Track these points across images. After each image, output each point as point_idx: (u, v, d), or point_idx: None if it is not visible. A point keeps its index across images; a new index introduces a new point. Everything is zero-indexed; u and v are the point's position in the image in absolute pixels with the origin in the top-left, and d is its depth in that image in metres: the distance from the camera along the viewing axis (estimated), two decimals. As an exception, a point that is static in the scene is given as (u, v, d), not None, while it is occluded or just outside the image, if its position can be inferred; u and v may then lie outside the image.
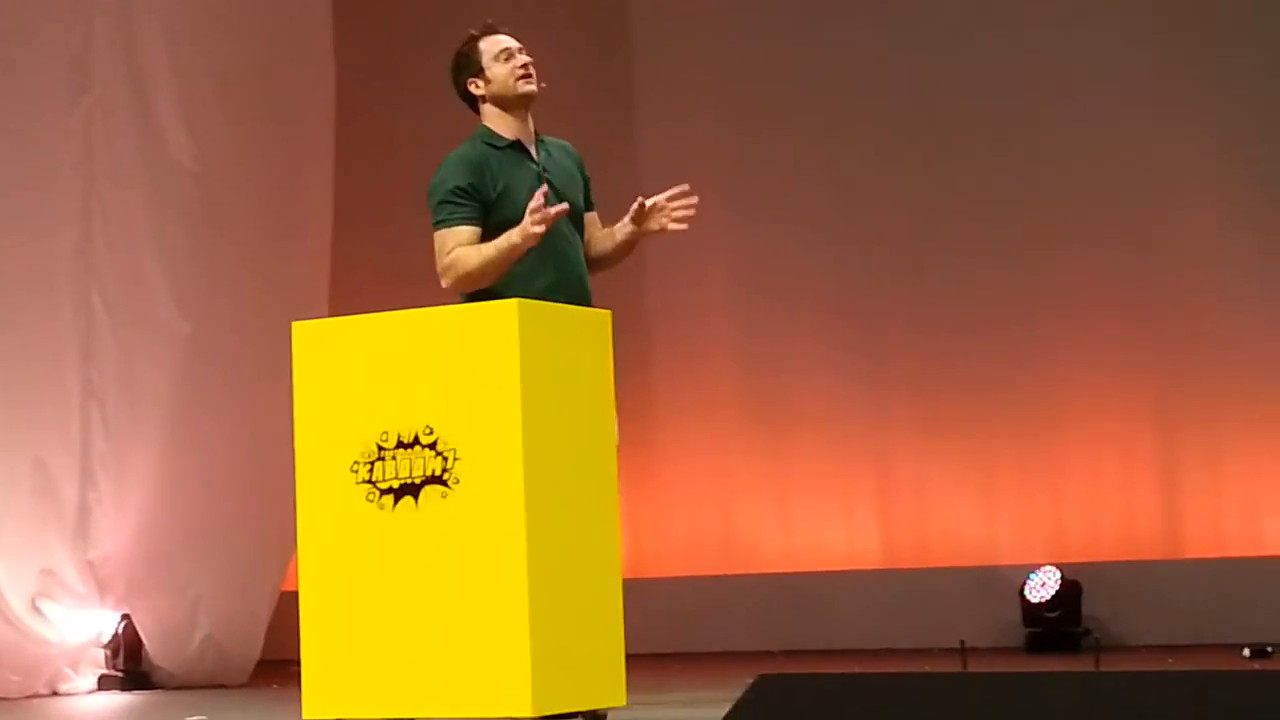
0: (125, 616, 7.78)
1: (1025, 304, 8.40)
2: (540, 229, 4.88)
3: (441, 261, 5.08)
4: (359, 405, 4.44)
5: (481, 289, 4.95)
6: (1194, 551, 8.10)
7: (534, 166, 5.19)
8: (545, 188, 5.00)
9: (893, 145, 8.66)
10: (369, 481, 4.41)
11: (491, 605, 4.28)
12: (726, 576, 8.57)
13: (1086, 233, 8.35)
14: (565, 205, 4.99)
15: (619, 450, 4.72)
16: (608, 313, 4.74)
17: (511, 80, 5.26)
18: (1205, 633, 7.84)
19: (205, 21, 8.15)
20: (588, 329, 4.64)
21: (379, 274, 9.24)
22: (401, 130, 9.55)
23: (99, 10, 7.93)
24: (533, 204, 4.93)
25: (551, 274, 5.02)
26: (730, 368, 8.91)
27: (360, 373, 4.47)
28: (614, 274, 8.82)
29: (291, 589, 5.41)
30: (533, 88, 5.25)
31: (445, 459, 4.35)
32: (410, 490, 4.39)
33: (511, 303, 4.41)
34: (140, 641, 7.81)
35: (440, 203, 5.12)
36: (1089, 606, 8.04)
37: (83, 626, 7.76)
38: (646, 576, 8.40)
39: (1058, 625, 7.98)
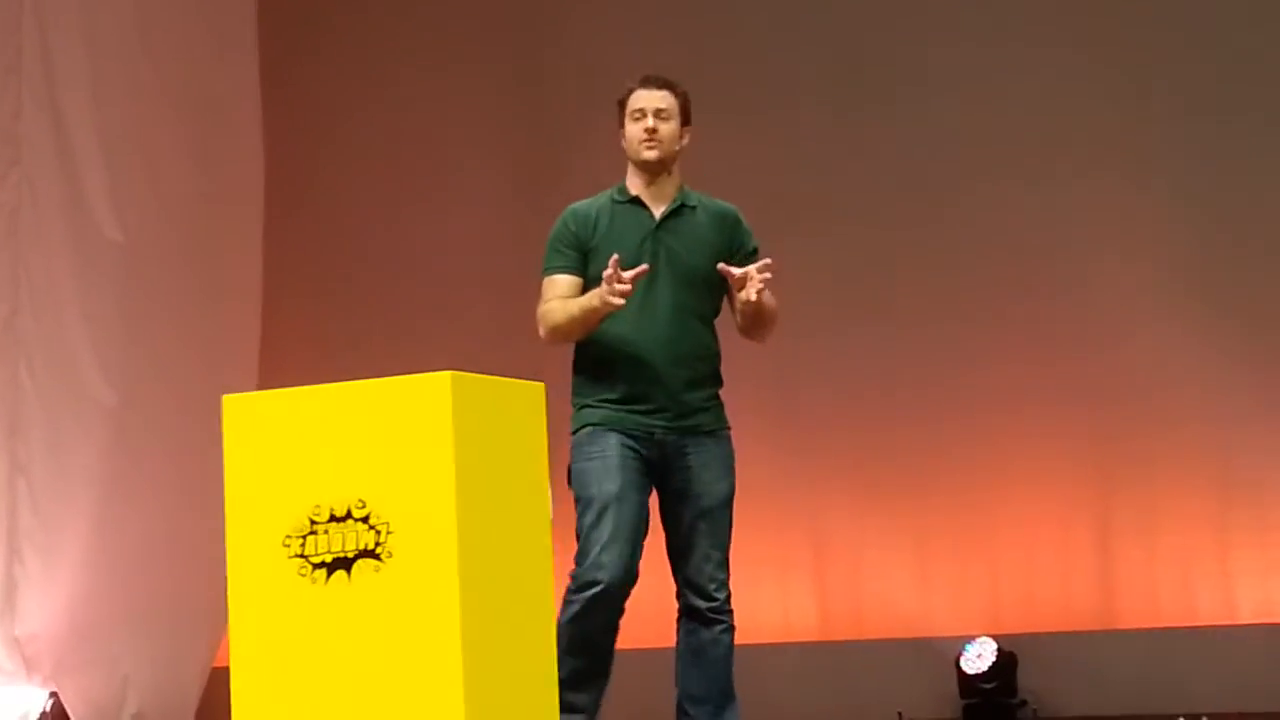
0: (53, 694, 7.69)
1: (958, 371, 8.42)
2: (616, 299, 5.04)
3: (538, 310, 5.32)
4: (291, 478, 4.40)
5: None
6: (1129, 622, 8.12)
7: (650, 222, 5.30)
8: (616, 256, 5.09)
9: (814, 211, 8.66)
10: (301, 555, 4.37)
11: (425, 680, 4.25)
12: (661, 650, 8.50)
13: (1019, 298, 8.38)
14: (644, 267, 5.10)
15: (553, 523, 4.70)
16: (541, 385, 4.72)
17: (635, 143, 5.37)
18: (1140, 703, 7.85)
19: (133, 94, 8.15)
20: (522, 401, 4.62)
21: (310, 345, 9.23)
22: (332, 201, 9.55)
23: (27, 82, 7.91)
24: (606, 272, 5.04)
25: (631, 335, 5.28)
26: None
27: (292, 446, 4.43)
28: (536, 343, 8.86)
29: (223, 665, 5.35)
30: (653, 155, 5.34)
31: (378, 532, 4.31)
32: (343, 564, 4.34)
33: (445, 375, 4.38)
34: (68, 719, 7.71)
35: (548, 250, 5.32)
36: (1025, 677, 8.04)
37: (9, 705, 7.65)
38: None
39: (994, 696, 7.97)
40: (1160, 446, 8.12)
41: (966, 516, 8.37)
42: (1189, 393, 8.09)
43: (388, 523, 4.31)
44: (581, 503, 5.44)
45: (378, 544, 4.31)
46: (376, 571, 4.31)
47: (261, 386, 8.46)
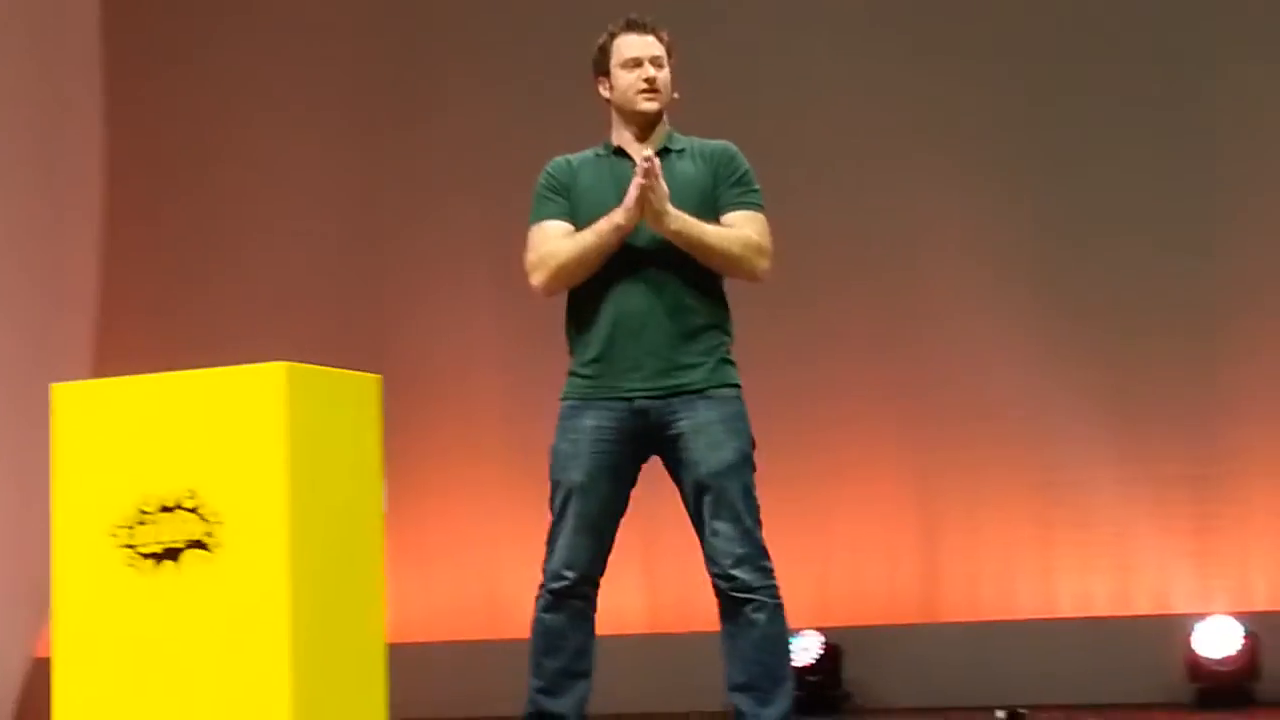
0: None
1: (785, 364, 8.48)
2: (648, 195, 4.71)
3: (529, 261, 4.95)
4: (120, 468, 4.35)
5: (580, 285, 4.88)
6: (951, 615, 8.25)
7: (631, 171, 4.92)
8: (652, 154, 4.80)
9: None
10: (129, 546, 4.32)
11: (254, 670, 4.21)
12: (493, 641, 8.52)
13: (848, 292, 8.47)
14: (654, 159, 4.76)
15: (386, 515, 4.68)
16: (377, 377, 4.70)
17: (631, 93, 5.02)
18: (962, 695, 7.97)
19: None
20: (357, 393, 4.60)
21: (151, 343, 9.11)
22: (172, 192, 9.45)
23: None
24: (636, 179, 4.75)
25: (609, 288, 4.93)
26: (498, 433, 8.89)
27: (122, 435, 4.38)
28: (375, 338, 8.81)
29: (44, 655, 5.28)
30: (653, 105, 5.02)
31: (209, 523, 4.28)
32: (172, 554, 4.30)
33: (280, 365, 4.35)
34: (-117, 710, 7.56)
35: (534, 200, 4.97)
36: (850, 670, 8.14)
37: None
38: (413, 641, 8.32)
39: (820, 689, 8.06)
40: (983, 444, 8.25)
41: (793, 511, 8.43)
42: (1012, 391, 8.24)
43: (219, 513, 4.27)
44: (551, 487, 5.18)
45: (208, 535, 4.28)
46: (206, 562, 4.27)
47: (96, 374, 8.35)
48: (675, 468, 5.08)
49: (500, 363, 8.89)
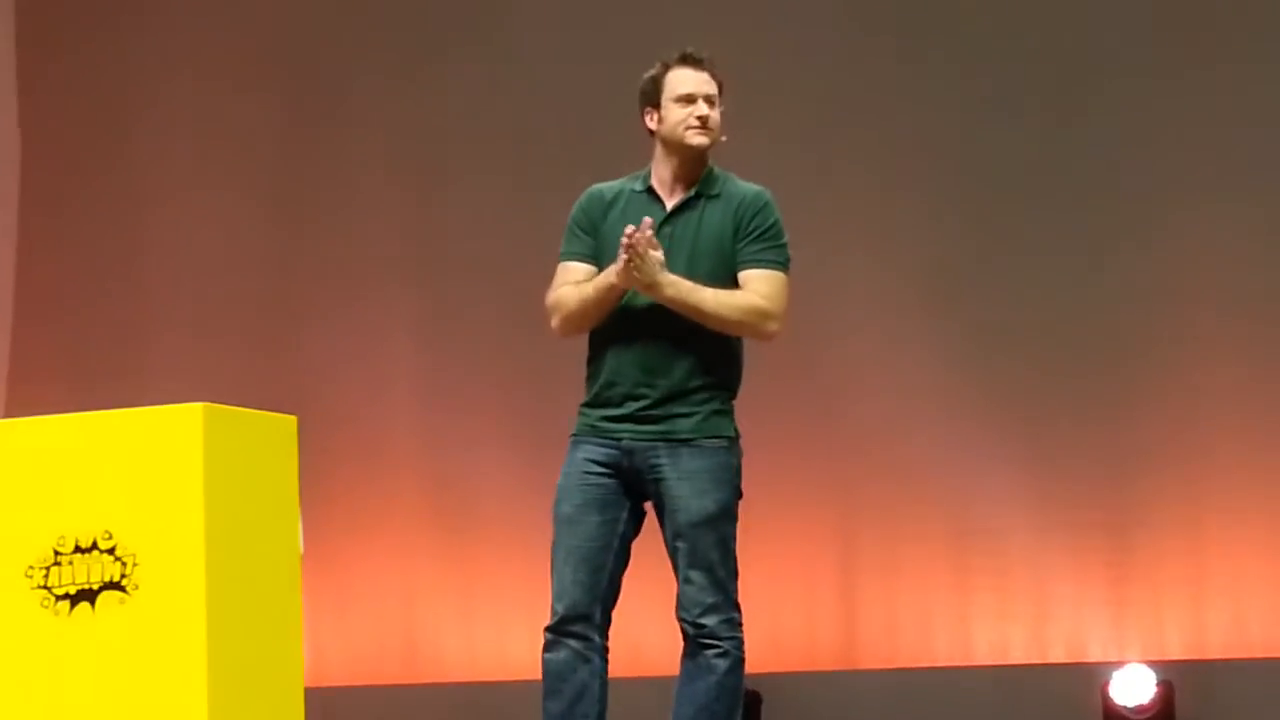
0: None
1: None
2: (631, 271, 4.69)
3: (547, 299, 4.94)
4: (35, 507, 4.33)
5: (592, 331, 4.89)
6: (870, 662, 8.27)
7: (660, 214, 4.92)
8: (649, 220, 4.77)
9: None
10: (44, 587, 4.30)
11: (170, 714, 4.19)
12: (410, 686, 8.50)
13: (758, 345, 8.48)
14: (649, 231, 4.72)
15: (303, 557, 4.67)
16: (293, 418, 4.69)
17: (681, 128, 4.93)
18: (881, 743, 8.00)
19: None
20: (273, 434, 4.59)
21: (60, 374, 9.05)
22: (87, 221, 9.39)
23: None
24: (624, 242, 4.72)
25: (616, 330, 4.91)
26: (415, 475, 8.87)
27: (37, 475, 4.35)
28: (297, 378, 8.75)
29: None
30: (704, 140, 4.93)
31: (124, 564, 4.26)
32: (87, 596, 4.28)
33: (196, 406, 4.34)
34: None
35: (565, 233, 4.94)
36: (769, 716, 8.14)
37: None
38: (329, 685, 8.28)
39: (738, 735, 8.05)
40: (899, 492, 8.28)
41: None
42: (926, 441, 8.27)
43: (134, 554, 4.25)
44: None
45: (123, 576, 4.26)
46: (121, 604, 4.25)
47: (9, 409, 8.29)
48: (658, 512, 5.08)
49: (417, 400, 8.89)
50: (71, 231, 9.38)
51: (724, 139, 5.01)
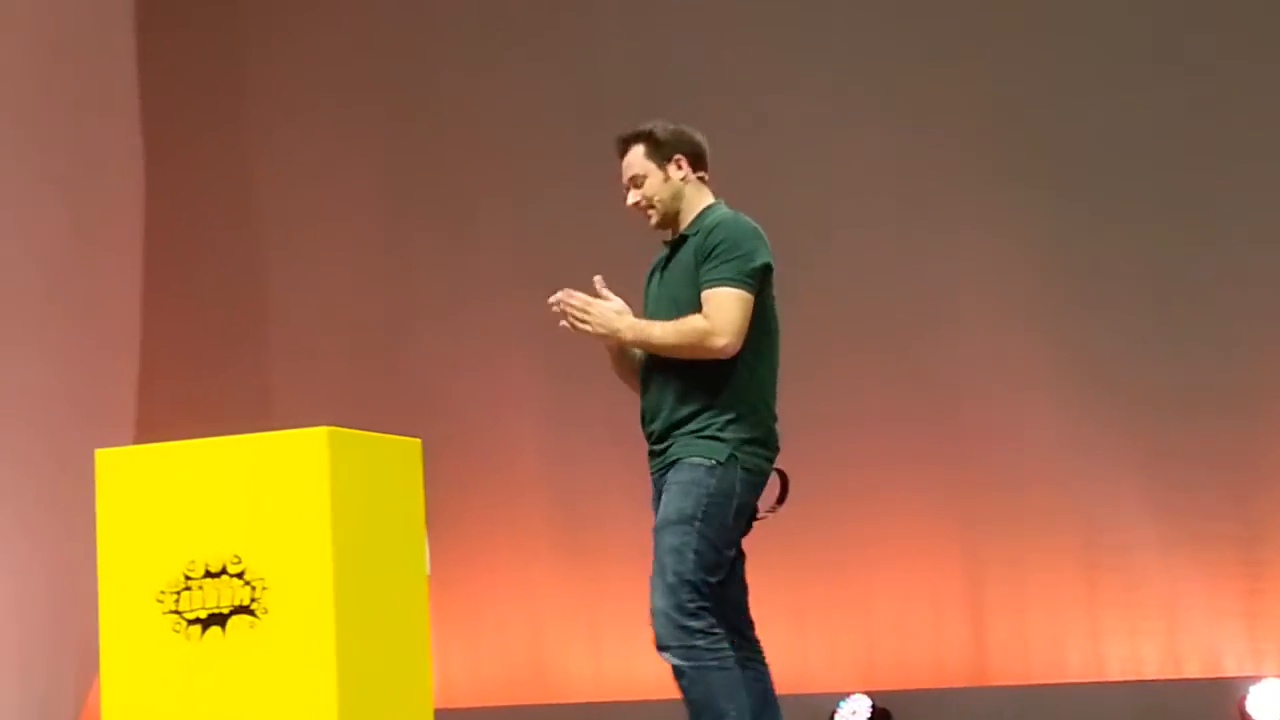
0: (-84, 751, 7.56)
1: (827, 431, 8.45)
2: (581, 330, 5.12)
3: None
4: (165, 533, 4.37)
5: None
6: (1000, 679, 8.18)
7: (661, 262, 5.30)
8: (599, 278, 5.17)
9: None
10: (175, 611, 4.33)
11: (300, 737, 4.21)
12: (538, 706, 8.52)
13: (888, 359, 8.45)
14: (560, 295, 5.11)
15: (430, 579, 4.68)
16: (418, 441, 4.71)
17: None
18: (1012, 760, 7.92)
19: (2, 131, 8.04)
20: (398, 456, 4.61)
21: (188, 395, 9.14)
22: (209, 250, 9.50)
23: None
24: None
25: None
26: (539, 494, 8.89)
27: (167, 500, 4.39)
28: (420, 400, 8.80)
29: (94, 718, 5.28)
30: (653, 222, 5.25)
31: (253, 588, 4.28)
32: (218, 620, 4.31)
33: (321, 431, 4.37)
34: (-68, 777, 7.58)
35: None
36: (899, 734, 8.10)
37: None
38: (458, 707, 8.31)
39: (869, 753, 8.02)
40: (1028, 506, 8.20)
41: (840, 575, 8.42)
42: (1055, 454, 8.18)
43: (263, 578, 4.28)
44: None
45: (253, 600, 4.28)
46: (251, 628, 4.27)
47: (138, 436, 8.39)
48: None
49: (541, 418, 8.90)
50: (194, 258, 9.49)
51: (684, 178, 5.21)
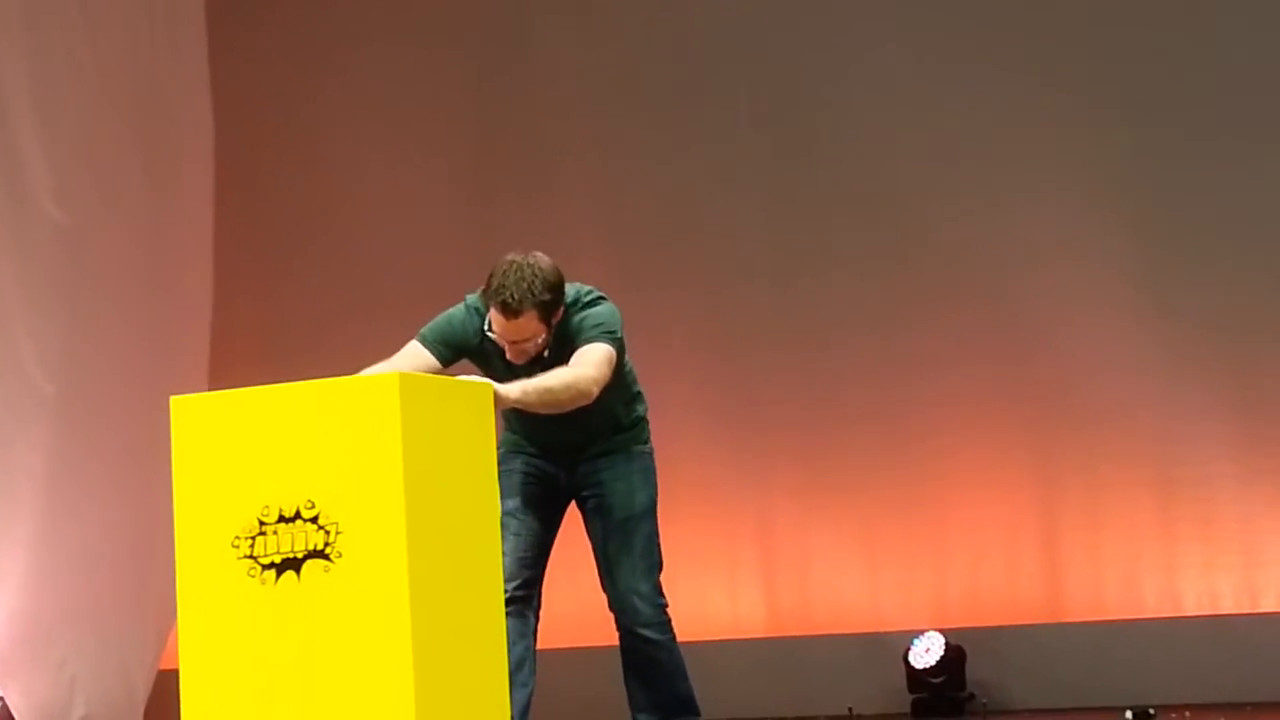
0: (-1, 699, 7.65)
1: (902, 371, 8.46)
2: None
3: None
4: (239, 480, 4.39)
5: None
6: (1075, 615, 8.16)
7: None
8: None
9: (769, 218, 8.72)
10: (250, 556, 4.36)
11: (376, 680, 4.23)
12: (609, 647, 8.52)
13: (959, 300, 8.41)
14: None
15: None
16: (488, 384, 4.73)
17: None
18: (1088, 695, 7.89)
19: (76, 81, 8.05)
20: (470, 401, 4.62)
21: (259, 337, 9.18)
22: (282, 193, 9.51)
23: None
24: None
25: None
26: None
27: (240, 447, 4.41)
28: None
29: (169, 667, 5.33)
30: (523, 361, 5.44)
31: (327, 533, 4.30)
32: (292, 565, 4.33)
33: (392, 375, 4.38)
34: (14, 723, 7.67)
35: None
36: (973, 671, 8.07)
37: (-46, 710, 7.62)
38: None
39: (943, 690, 8.00)
40: (1102, 441, 8.16)
41: (913, 512, 8.41)
42: (1130, 388, 8.14)
43: (337, 523, 4.30)
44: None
45: (327, 544, 4.30)
46: (326, 572, 4.30)
47: (211, 380, 8.43)
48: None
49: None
50: (265, 213, 9.51)
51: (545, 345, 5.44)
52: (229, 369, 8.55)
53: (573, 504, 5.92)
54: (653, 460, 5.90)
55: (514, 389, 5.12)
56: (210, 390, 8.23)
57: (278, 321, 9.44)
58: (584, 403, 5.34)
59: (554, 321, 5.45)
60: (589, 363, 5.38)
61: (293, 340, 9.26)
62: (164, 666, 8.02)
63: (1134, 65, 8.24)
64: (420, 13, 9.44)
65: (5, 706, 7.63)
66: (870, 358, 8.53)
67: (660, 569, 5.81)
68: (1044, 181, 8.29)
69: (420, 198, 9.36)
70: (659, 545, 5.82)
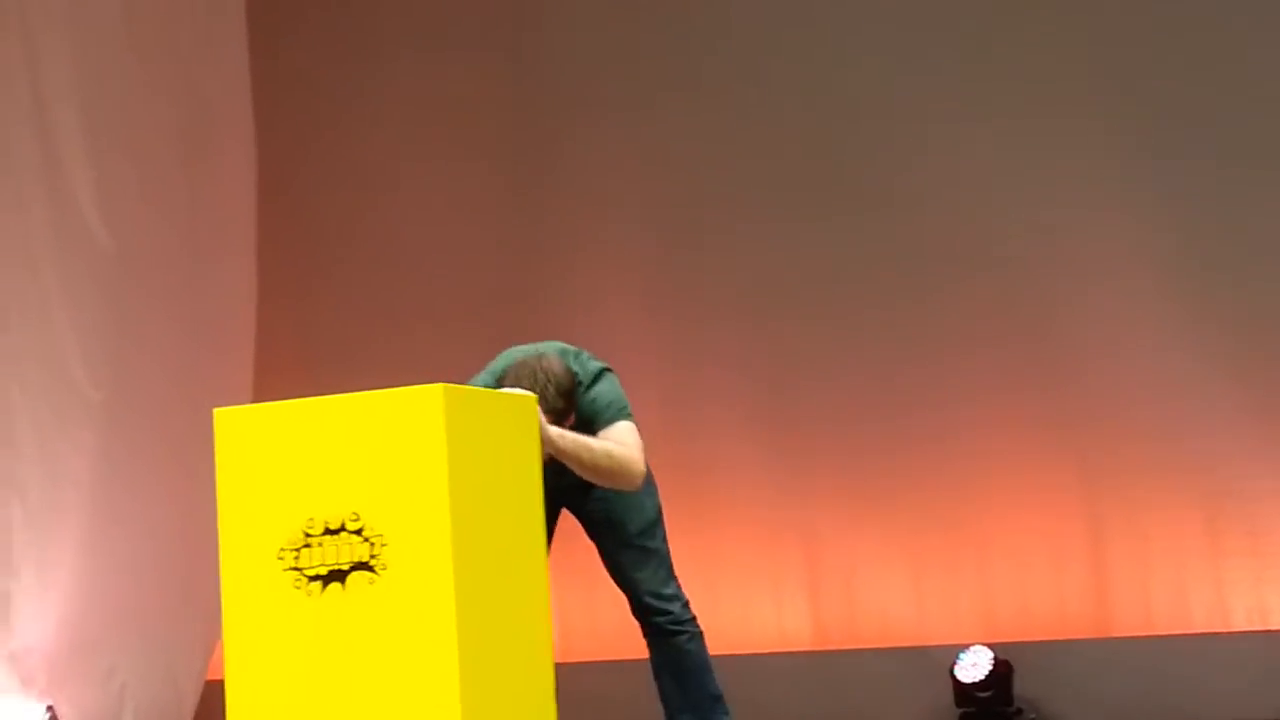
0: (49, 707, 7.66)
1: (948, 384, 8.42)
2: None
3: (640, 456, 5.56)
4: (284, 492, 4.41)
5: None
6: (1123, 630, 8.12)
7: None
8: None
9: (815, 230, 8.69)
10: (296, 568, 4.37)
11: (422, 693, 4.24)
12: (625, 661, 8.50)
13: (1009, 313, 8.37)
14: None
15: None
16: (533, 396, 4.74)
17: None
18: (1136, 712, 7.85)
19: (121, 95, 8.07)
20: (514, 413, 4.63)
21: (302, 348, 9.19)
22: (323, 203, 9.53)
23: (12, 86, 7.83)
24: None
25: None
26: (655, 448, 8.87)
27: (285, 459, 4.43)
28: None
29: (217, 678, 5.34)
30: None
31: (372, 545, 4.31)
32: (338, 576, 4.34)
33: (437, 387, 4.39)
34: (64, 732, 7.70)
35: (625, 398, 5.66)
36: (1021, 686, 8.04)
37: (5, 719, 7.63)
38: (577, 660, 8.34)
39: (990, 705, 7.96)
40: (1149, 455, 8.11)
41: (960, 526, 8.37)
42: (1176, 402, 8.08)
43: (382, 535, 4.31)
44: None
45: (372, 556, 4.31)
46: (371, 584, 4.31)
47: (255, 398, 8.45)
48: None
49: (657, 381, 8.87)
50: (304, 215, 9.52)
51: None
52: (269, 373, 8.59)
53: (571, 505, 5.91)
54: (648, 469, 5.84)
55: (553, 428, 5.17)
56: (254, 393, 8.28)
57: (318, 325, 9.45)
58: (626, 485, 5.48)
59: (565, 425, 5.45)
60: (626, 444, 5.49)
61: (333, 344, 9.28)
62: (210, 678, 8.04)
63: (1190, 71, 8.18)
64: (462, 15, 9.44)
65: (55, 716, 7.65)
66: (920, 372, 8.50)
67: (673, 566, 5.94)
68: (1091, 206, 8.24)
69: (461, 202, 9.36)
70: (668, 546, 5.94)
